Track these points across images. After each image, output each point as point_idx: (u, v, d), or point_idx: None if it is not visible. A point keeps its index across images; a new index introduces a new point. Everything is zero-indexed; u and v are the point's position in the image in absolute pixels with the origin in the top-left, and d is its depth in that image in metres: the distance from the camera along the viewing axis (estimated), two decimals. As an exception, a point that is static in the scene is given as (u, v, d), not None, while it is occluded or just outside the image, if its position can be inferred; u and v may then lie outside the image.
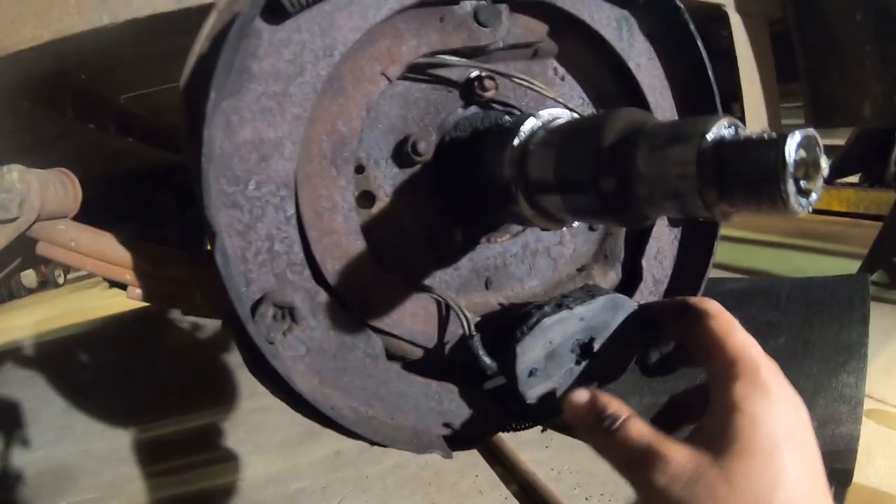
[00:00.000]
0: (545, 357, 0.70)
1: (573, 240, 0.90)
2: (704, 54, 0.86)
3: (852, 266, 2.25)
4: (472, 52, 0.79)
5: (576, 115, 0.71)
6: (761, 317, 1.81)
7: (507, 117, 0.76)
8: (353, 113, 0.72)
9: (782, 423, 0.51)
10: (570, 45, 0.86)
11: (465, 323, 0.75)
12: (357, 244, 0.73)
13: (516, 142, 0.67)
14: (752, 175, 0.45)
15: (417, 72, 0.78)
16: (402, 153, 0.77)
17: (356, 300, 0.73)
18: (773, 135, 0.45)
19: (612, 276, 0.90)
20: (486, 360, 0.73)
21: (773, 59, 1.28)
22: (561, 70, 0.88)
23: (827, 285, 1.89)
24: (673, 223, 0.91)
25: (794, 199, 0.45)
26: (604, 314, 0.72)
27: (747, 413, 0.51)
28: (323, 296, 0.70)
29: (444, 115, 0.80)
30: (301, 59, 0.66)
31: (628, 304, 0.73)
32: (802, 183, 0.45)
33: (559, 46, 0.86)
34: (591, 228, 0.91)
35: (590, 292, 0.73)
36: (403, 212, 0.79)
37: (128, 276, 0.86)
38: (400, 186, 0.78)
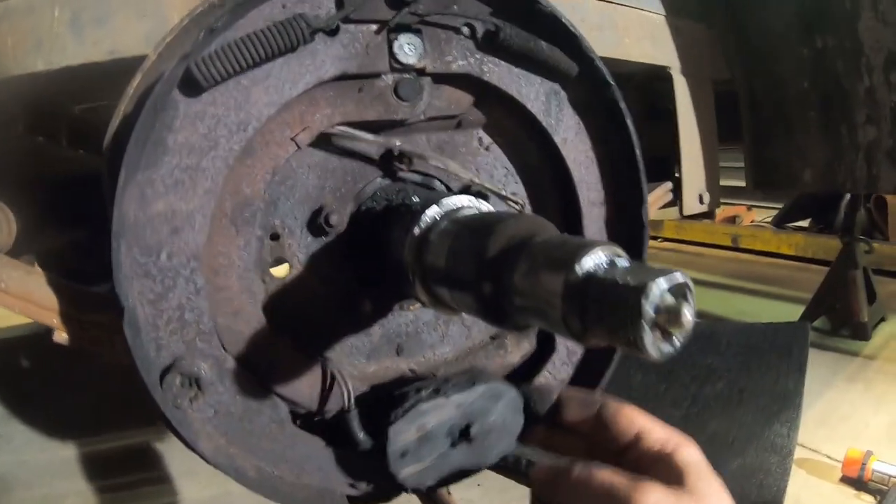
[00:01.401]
0: (418, 440, 0.71)
1: None
2: (633, 132, 0.87)
3: (797, 311, 2.29)
4: (390, 125, 0.79)
5: (482, 207, 0.70)
6: (701, 360, 1.83)
7: (415, 198, 0.75)
8: (258, 175, 0.73)
9: None
10: (497, 115, 0.87)
11: (345, 396, 0.76)
12: (255, 315, 0.73)
13: (416, 231, 0.68)
14: (612, 319, 0.44)
15: (332, 142, 0.78)
16: (315, 223, 0.78)
17: (259, 366, 0.74)
18: (641, 279, 0.45)
19: (526, 346, 0.90)
20: (360, 435, 0.75)
21: (715, 121, 1.29)
22: (487, 139, 0.88)
23: (767, 332, 1.92)
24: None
25: (651, 347, 0.45)
26: (483, 402, 0.73)
27: None
28: (231, 363, 0.71)
29: (361, 185, 0.81)
30: (215, 133, 0.66)
31: (509, 394, 0.74)
32: (666, 327, 0.44)
33: (486, 116, 0.85)
34: None
35: (472, 379, 0.74)
36: (315, 279, 0.80)
37: (54, 319, 0.86)
38: (313, 254, 0.79)
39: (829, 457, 1.59)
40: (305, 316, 0.80)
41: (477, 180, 0.84)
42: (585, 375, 0.94)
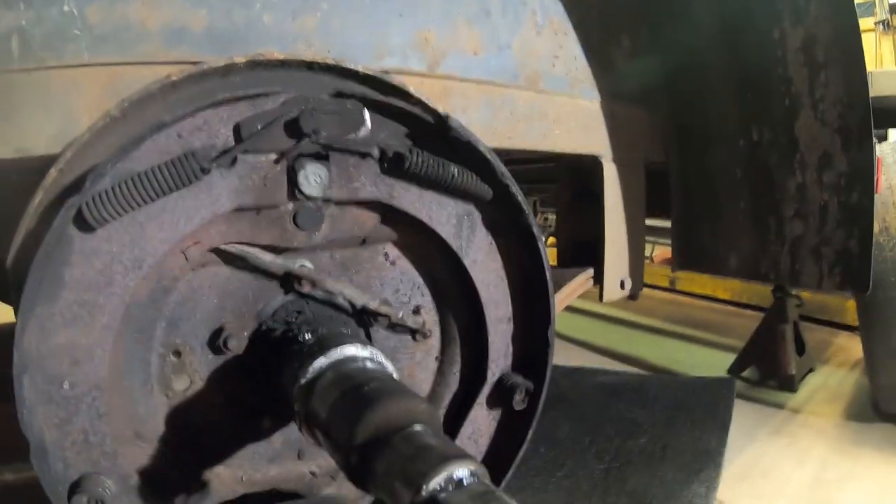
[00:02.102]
0: None
1: None
2: (544, 256, 0.87)
3: (728, 359, 2.34)
4: (280, 249, 0.79)
5: (372, 357, 0.70)
6: (627, 414, 1.87)
7: (307, 336, 0.75)
8: (154, 308, 0.74)
9: None
10: (405, 233, 0.86)
11: None
12: (158, 430, 0.75)
13: (303, 381, 0.69)
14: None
15: (229, 260, 0.77)
16: (215, 343, 0.78)
17: (162, 480, 0.76)
18: None
19: None
20: None
21: (644, 206, 1.29)
22: (394, 254, 0.88)
23: (695, 387, 1.97)
24: (491, 405, 0.92)
25: None
26: None
27: None
28: (135, 479, 0.73)
29: (262, 305, 0.81)
30: (111, 269, 0.66)
31: None
32: None
33: (394, 232, 0.85)
34: None
35: None
36: (216, 395, 0.80)
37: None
38: (214, 371, 0.79)
39: (748, 514, 1.64)
40: (207, 428, 0.81)
41: (372, 305, 0.83)
42: (496, 460, 0.96)
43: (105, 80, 0.78)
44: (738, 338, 2.38)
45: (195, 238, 0.73)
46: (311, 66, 0.74)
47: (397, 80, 0.78)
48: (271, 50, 0.74)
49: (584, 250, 1.27)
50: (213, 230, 0.73)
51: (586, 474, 1.77)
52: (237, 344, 0.78)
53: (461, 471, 0.51)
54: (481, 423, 0.94)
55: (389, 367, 0.73)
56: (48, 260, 0.62)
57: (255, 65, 0.71)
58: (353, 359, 0.71)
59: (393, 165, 0.78)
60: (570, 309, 3.51)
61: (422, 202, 0.82)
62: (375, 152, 0.77)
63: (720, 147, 1.35)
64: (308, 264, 0.82)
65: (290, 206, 0.75)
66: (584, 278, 1.23)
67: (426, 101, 0.77)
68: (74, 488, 0.67)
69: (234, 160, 0.69)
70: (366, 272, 0.87)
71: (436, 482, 0.51)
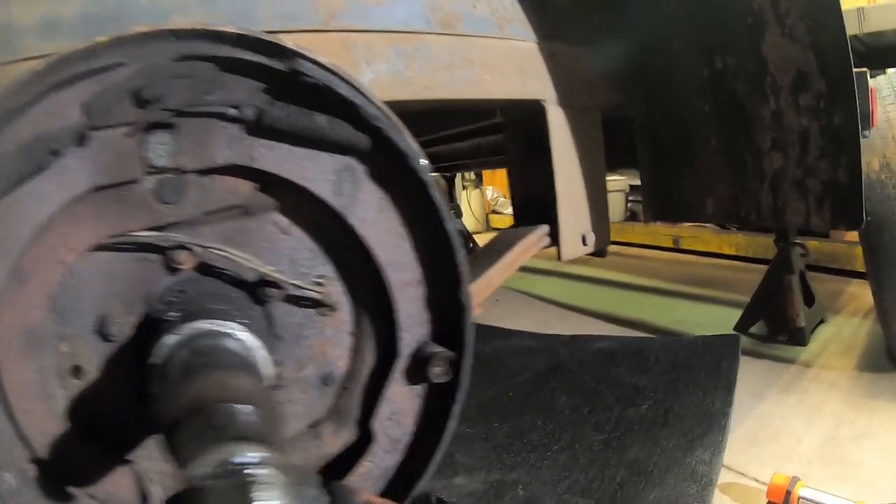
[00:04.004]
0: None
1: (305, 396, 0.82)
2: (440, 205, 0.77)
3: (735, 315, 2.14)
4: (157, 228, 0.72)
5: (226, 331, 0.61)
6: (628, 380, 1.73)
7: (171, 313, 0.71)
8: (35, 301, 0.69)
9: None
10: (288, 198, 0.76)
11: (153, 498, 0.74)
12: (58, 422, 0.71)
13: (152, 360, 0.65)
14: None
15: (112, 248, 0.72)
16: (101, 331, 0.73)
17: (64, 473, 0.72)
18: None
19: (345, 435, 0.84)
20: None
21: (602, 152, 1.14)
22: (284, 222, 0.79)
23: (697, 346, 1.80)
24: (412, 380, 0.82)
25: None
26: None
27: None
28: (33, 471, 0.70)
29: (148, 288, 0.75)
30: None
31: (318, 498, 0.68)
32: None
33: (277, 199, 0.75)
34: (324, 383, 0.81)
35: None
36: (110, 384, 0.75)
37: None
38: (106, 360, 0.74)
39: (756, 479, 1.48)
40: (108, 419, 0.75)
41: (266, 269, 0.74)
42: (426, 440, 0.87)
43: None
44: (745, 293, 2.19)
45: (68, 244, 0.68)
46: (174, 33, 0.66)
47: (257, 32, 0.69)
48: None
49: (540, 207, 1.14)
50: (83, 231, 0.69)
51: (585, 446, 1.64)
52: (119, 330, 0.73)
53: (243, 456, 0.42)
54: (401, 401, 0.84)
55: (252, 342, 0.64)
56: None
57: (120, 42, 0.64)
58: (208, 334, 0.64)
59: (250, 125, 0.70)
60: (569, 276, 3.36)
61: (291, 161, 0.74)
62: (229, 112, 0.69)
63: (683, 82, 1.19)
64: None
65: (150, 181, 0.69)
66: (538, 236, 1.10)
67: (280, 48, 0.68)
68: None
69: (83, 138, 0.64)
70: (255, 244, 0.79)
71: (205, 465, 0.44)
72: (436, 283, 0.82)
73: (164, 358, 0.64)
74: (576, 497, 1.42)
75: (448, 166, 3.01)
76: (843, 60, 1.03)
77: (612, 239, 4.04)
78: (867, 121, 1.21)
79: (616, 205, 4.03)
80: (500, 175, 5.03)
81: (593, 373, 1.81)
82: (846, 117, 1.07)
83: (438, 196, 0.77)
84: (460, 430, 1.71)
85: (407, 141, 0.74)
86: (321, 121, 0.71)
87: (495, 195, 6.00)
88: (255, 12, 0.87)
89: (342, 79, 0.72)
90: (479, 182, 5.65)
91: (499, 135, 1.53)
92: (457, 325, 0.82)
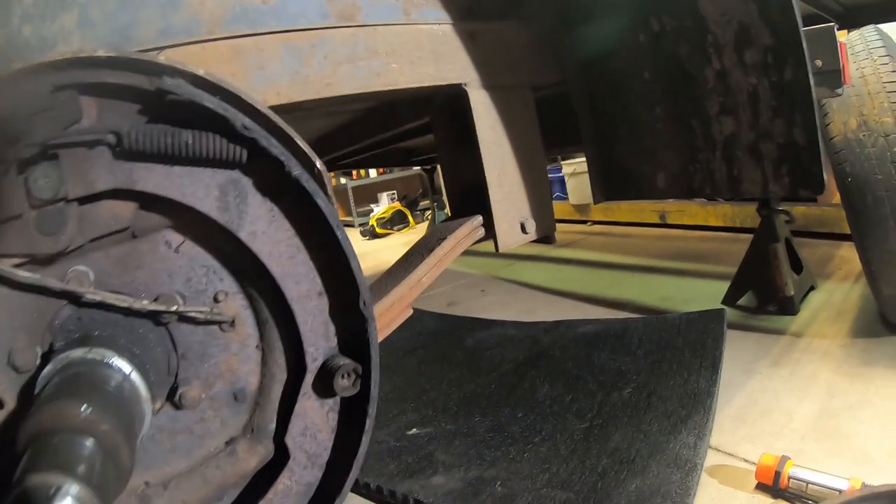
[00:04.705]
0: None
1: (217, 413, 0.80)
2: (327, 210, 0.73)
3: (723, 289, 2.04)
4: (50, 258, 0.73)
5: (102, 359, 0.60)
6: (611, 364, 1.67)
7: (58, 343, 0.71)
8: None
9: None
10: (175, 218, 0.75)
11: None
12: None
13: (37, 390, 0.65)
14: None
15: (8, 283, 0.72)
16: (11, 363, 0.74)
17: None
18: None
19: (261, 451, 0.83)
20: None
21: (537, 134, 1.07)
22: (176, 240, 0.78)
23: (681, 323, 1.71)
24: (322, 394, 0.78)
25: None
26: None
27: None
28: None
29: (49, 318, 0.75)
30: None
31: None
32: None
33: (165, 217, 0.72)
34: (236, 399, 0.79)
35: None
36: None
37: None
38: (20, 391, 0.74)
39: (746, 460, 1.41)
40: None
41: (137, 306, 0.72)
42: (344, 455, 0.85)
43: None
44: (733, 265, 2.08)
45: None
46: (52, 65, 0.66)
47: (130, 53, 0.70)
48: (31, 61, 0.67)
49: (473, 197, 1.08)
50: None
51: (566, 436, 1.59)
52: (26, 362, 0.73)
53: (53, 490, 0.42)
54: (314, 416, 0.81)
55: (123, 366, 0.64)
56: None
57: None
58: (81, 363, 0.65)
59: (123, 148, 0.69)
60: (555, 260, 3.28)
61: (170, 180, 0.73)
62: (108, 138, 0.69)
63: (619, 49, 1.10)
64: (82, 268, 0.75)
65: (34, 213, 0.69)
66: (471, 227, 1.05)
67: (147, 66, 0.68)
68: None
69: None
70: (148, 265, 0.78)
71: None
72: (337, 293, 0.78)
73: (40, 388, 0.64)
74: (555, 490, 1.38)
75: (424, 159, 2.95)
76: (786, 6, 0.94)
77: (597, 219, 3.91)
78: (838, 77, 1.11)
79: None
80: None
81: (576, 359, 1.75)
82: (797, 70, 0.98)
83: (325, 204, 0.73)
84: (442, 428, 1.68)
85: (280, 149, 0.70)
86: (186, 137, 0.68)
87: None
88: (136, 31, 0.86)
89: (214, 90, 0.68)
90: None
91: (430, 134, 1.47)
92: (360, 336, 0.77)
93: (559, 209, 3.89)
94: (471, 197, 1.10)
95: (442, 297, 2.92)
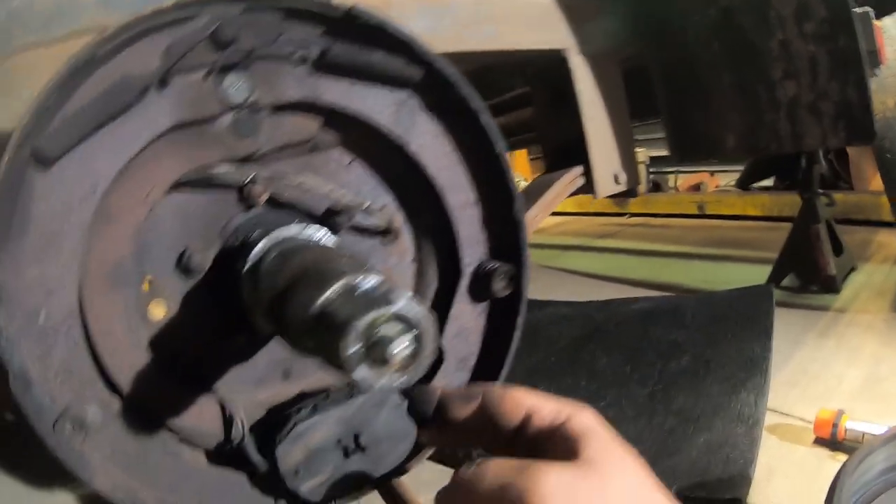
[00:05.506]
0: (306, 458, 0.73)
1: None
2: (489, 127, 0.83)
3: (765, 272, 2.16)
4: (239, 162, 0.80)
5: (313, 235, 0.66)
6: (666, 337, 1.76)
7: (255, 233, 0.77)
8: (122, 240, 0.74)
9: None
10: (350, 133, 0.85)
11: (239, 426, 0.77)
12: (141, 357, 0.76)
13: (246, 268, 0.72)
14: (328, 353, 0.46)
15: (189, 185, 0.78)
16: (182, 266, 0.79)
17: (148, 406, 0.76)
18: (350, 314, 0.44)
19: None
20: (256, 459, 0.76)
21: (624, 98, 1.20)
22: (347, 157, 0.86)
23: (731, 299, 1.82)
24: (475, 298, 0.85)
25: (365, 382, 0.45)
26: (365, 412, 0.74)
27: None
28: (117, 404, 0.74)
29: (224, 223, 0.81)
30: (70, 199, 0.68)
31: (392, 400, 0.75)
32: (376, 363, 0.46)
33: (340, 134, 0.81)
34: None
35: (350, 392, 0.76)
36: (189, 320, 0.81)
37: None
38: (186, 295, 0.80)
39: (802, 419, 1.49)
40: (188, 353, 0.80)
41: (339, 193, 0.81)
42: (492, 355, 0.91)
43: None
44: (773, 250, 2.21)
45: (151, 181, 0.74)
46: None
47: None
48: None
49: (570, 153, 1.20)
50: (164, 168, 0.74)
51: (630, 401, 1.66)
52: (200, 261, 0.78)
53: (362, 281, 0.49)
54: (467, 318, 0.89)
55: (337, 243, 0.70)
56: (12, 197, 0.63)
57: (181, 5, 0.71)
58: (294, 238, 0.71)
59: (315, 63, 0.77)
60: (598, 249, 3.38)
61: (352, 95, 0.81)
62: (295, 53, 0.77)
63: (692, 23, 1.25)
64: (266, 174, 0.83)
65: (226, 117, 0.76)
66: (574, 175, 1.17)
67: None
68: (58, 419, 0.68)
69: (165, 81, 0.71)
70: (323, 178, 0.83)
71: (329, 291, 0.49)
72: (490, 202, 0.87)
73: (254, 263, 0.70)
74: (627, 446, 1.44)
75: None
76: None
77: (636, 211, 4.03)
78: (876, 57, 1.26)
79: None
80: (521, 159, 5.04)
81: (631, 333, 1.83)
82: (848, 37, 1.12)
83: (488, 120, 0.83)
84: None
85: (452, 71, 0.80)
86: (378, 56, 0.78)
87: (517, 179, 6.06)
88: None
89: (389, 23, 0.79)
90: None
91: (520, 110, 1.60)
92: (512, 241, 0.86)
93: (596, 203, 3.94)
94: (568, 151, 1.22)
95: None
